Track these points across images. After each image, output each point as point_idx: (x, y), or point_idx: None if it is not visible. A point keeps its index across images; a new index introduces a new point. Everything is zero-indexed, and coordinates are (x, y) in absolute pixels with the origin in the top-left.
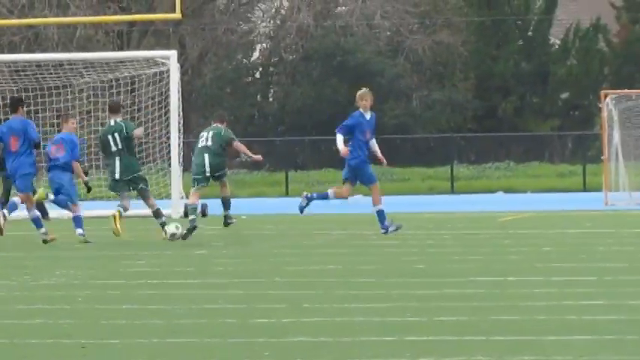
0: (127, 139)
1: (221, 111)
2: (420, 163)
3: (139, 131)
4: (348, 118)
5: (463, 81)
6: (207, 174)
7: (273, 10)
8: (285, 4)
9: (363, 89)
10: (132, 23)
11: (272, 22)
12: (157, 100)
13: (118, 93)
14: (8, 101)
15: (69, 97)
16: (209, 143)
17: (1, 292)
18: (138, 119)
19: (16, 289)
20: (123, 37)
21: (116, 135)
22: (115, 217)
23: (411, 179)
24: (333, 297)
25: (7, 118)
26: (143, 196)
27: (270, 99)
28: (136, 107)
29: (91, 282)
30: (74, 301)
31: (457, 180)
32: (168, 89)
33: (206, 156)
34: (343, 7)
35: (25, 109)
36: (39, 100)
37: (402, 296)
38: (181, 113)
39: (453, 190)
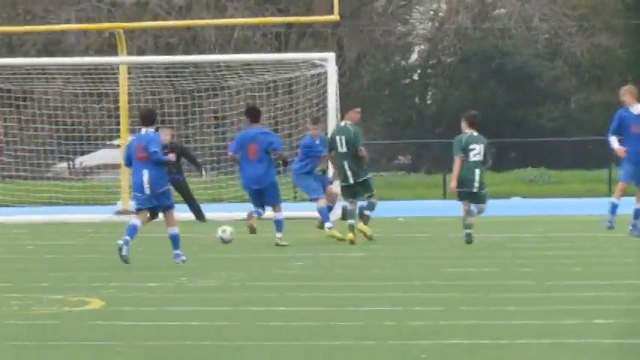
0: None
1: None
2: (578, 166)
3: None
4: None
5: (622, 83)
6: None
7: (432, 12)
8: (444, 6)
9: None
10: (290, 25)
11: (430, 24)
12: (314, 102)
13: (276, 95)
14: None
15: (227, 98)
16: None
17: (156, 294)
18: (295, 121)
19: (172, 291)
20: (281, 39)
21: (343, 138)
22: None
23: (568, 182)
24: (490, 300)
25: (163, 121)
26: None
27: (428, 101)
28: (293, 109)
29: (247, 284)
30: (231, 302)
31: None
32: (326, 91)
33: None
34: (502, 10)
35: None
36: (196, 101)
37: (559, 299)
38: (339, 115)
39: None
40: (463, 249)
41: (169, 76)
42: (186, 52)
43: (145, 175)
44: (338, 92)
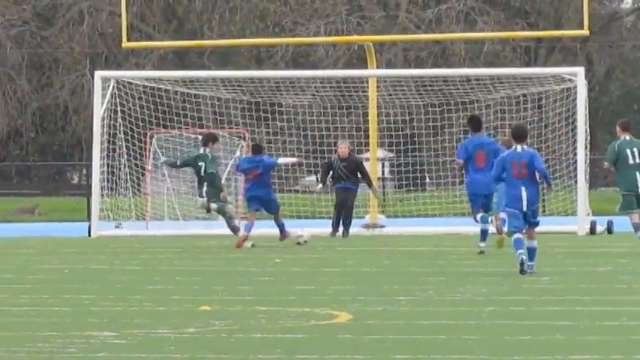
0: None
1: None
2: None
3: None
4: None
5: None
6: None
7: None
8: None
9: None
10: (539, 39)
11: None
12: (563, 116)
13: (525, 109)
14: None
15: (476, 112)
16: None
17: (405, 307)
18: (545, 135)
19: (420, 305)
20: (530, 53)
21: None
22: None
23: None
24: None
25: (413, 134)
26: None
27: None
28: (543, 124)
29: (494, 298)
30: (478, 317)
31: None
32: (575, 106)
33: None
34: None
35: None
36: (445, 115)
37: None
38: (588, 130)
39: None
40: None
41: (418, 90)
42: (435, 66)
43: (523, 191)
44: (587, 107)
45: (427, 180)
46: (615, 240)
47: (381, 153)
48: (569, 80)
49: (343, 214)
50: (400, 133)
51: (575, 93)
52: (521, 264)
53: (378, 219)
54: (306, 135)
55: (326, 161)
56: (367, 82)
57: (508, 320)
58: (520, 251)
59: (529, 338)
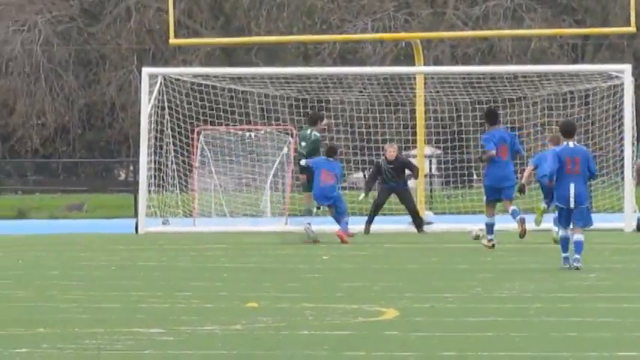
0: None
1: None
2: None
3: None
4: None
5: None
6: None
7: None
8: None
9: None
10: (586, 36)
11: None
12: (610, 113)
13: (572, 106)
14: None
15: (523, 109)
16: None
17: (452, 305)
18: (592, 132)
19: (468, 302)
20: (577, 50)
21: None
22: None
23: None
24: None
25: (460, 131)
26: None
27: None
28: (590, 121)
29: (542, 295)
30: (526, 313)
31: None
32: (622, 103)
33: None
34: None
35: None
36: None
37: None
38: (635, 127)
39: None
40: None
41: (466, 87)
42: (482, 63)
43: (572, 188)
44: (634, 104)
45: (474, 177)
46: None
47: (428, 150)
48: (617, 77)
49: (411, 215)
50: (447, 130)
51: (623, 90)
52: (567, 259)
53: (425, 216)
54: (353, 132)
55: (374, 165)
56: (414, 79)
57: (555, 317)
58: (565, 255)
59: (576, 335)
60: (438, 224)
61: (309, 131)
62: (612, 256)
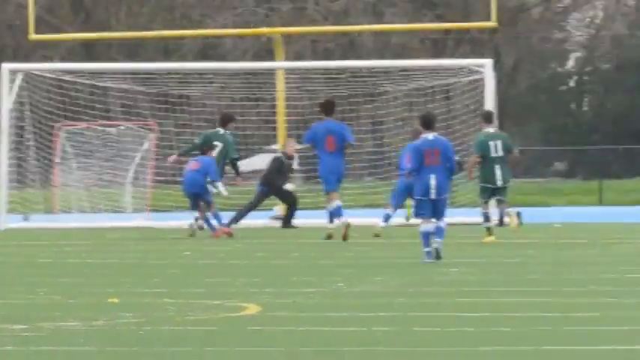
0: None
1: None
2: None
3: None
4: None
5: None
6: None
7: (588, 19)
8: (600, 13)
9: None
10: (447, 31)
11: (586, 30)
12: (471, 108)
13: (433, 101)
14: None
15: (384, 104)
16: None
17: (314, 300)
18: (452, 127)
19: (330, 297)
20: (438, 45)
21: (498, 143)
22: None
23: None
24: None
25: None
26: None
27: (584, 108)
28: (450, 115)
29: (404, 290)
30: (389, 308)
31: None
32: (483, 97)
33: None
34: None
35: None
36: (353, 107)
37: None
38: (496, 122)
39: None
40: (620, 255)
41: (326, 82)
42: (343, 58)
43: (433, 179)
44: (495, 98)
45: None
46: (524, 231)
47: None
48: (478, 72)
49: (291, 210)
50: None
51: (484, 85)
52: (429, 254)
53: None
54: (213, 127)
55: (273, 160)
56: (275, 74)
57: (418, 312)
58: (427, 249)
59: (439, 330)
60: (300, 220)
61: (221, 132)
62: (474, 250)
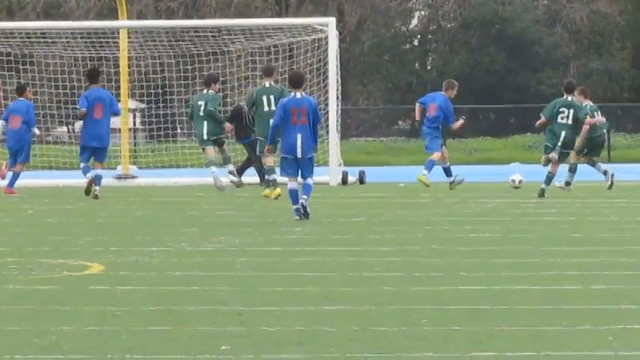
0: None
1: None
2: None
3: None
4: None
5: (620, 50)
6: None
7: None
8: None
9: None
10: None
11: None
12: (315, 67)
13: (276, 59)
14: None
15: (227, 62)
16: None
17: (157, 259)
18: None
19: (173, 256)
20: (281, 4)
21: (271, 97)
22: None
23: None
24: (490, 265)
25: (164, 85)
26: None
27: (428, 67)
28: None
29: (248, 249)
30: (231, 268)
31: (614, 149)
32: (327, 56)
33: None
34: None
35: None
36: (196, 65)
37: (559, 265)
38: (339, 81)
39: (609, 160)
40: (463, 214)
41: (170, 40)
42: (186, 17)
43: (299, 138)
44: (338, 57)
45: (178, 131)
46: (367, 190)
47: (132, 104)
48: (321, 31)
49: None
50: (152, 84)
51: (327, 44)
52: (298, 210)
53: (129, 170)
54: (57, 86)
55: (234, 109)
56: (118, 33)
57: (261, 272)
58: (296, 207)
59: (282, 289)
60: (143, 178)
61: (205, 91)
62: (318, 210)
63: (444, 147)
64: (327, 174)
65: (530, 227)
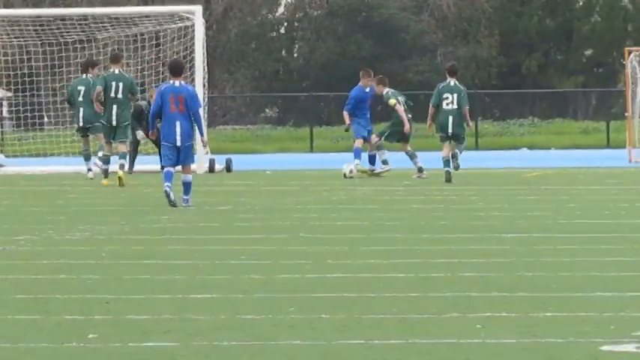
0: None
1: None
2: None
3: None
4: None
5: (488, 37)
6: None
7: None
8: None
9: None
10: None
11: None
12: (181, 55)
13: (143, 48)
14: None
15: (93, 51)
16: None
17: (25, 247)
18: (163, 74)
19: (40, 244)
20: None
21: (120, 84)
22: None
23: (435, 135)
24: (358, 253)
25: (31, 73)
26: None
27: (295, 54)
28: (160, 62)
29: (114, 237)
30: (98, 256)
31: (481, 136)
32: (193, 44)
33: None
34: None
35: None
36: (63, 54)
37: (427, 252)
38: (206, 68)
39: (477, 147)
40: (330, 202)
41: (37, 29)
42: (53, 5)
43: (178, 126)
44: (205, 45)
45: (45, 119)
46: (234, 178)
47: None
48: (187, 19)
49: None
50: (18, 72)
51: (193, 32)
52: (168, 196)
53: None
54: None
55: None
56: None
57: (128, 260)
58: (167, 184)
59: (149, 277)
60: (10, 167)
61: (84, 76)
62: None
63: (373, 134)
64: (195, 162)
65: (398, 215)
